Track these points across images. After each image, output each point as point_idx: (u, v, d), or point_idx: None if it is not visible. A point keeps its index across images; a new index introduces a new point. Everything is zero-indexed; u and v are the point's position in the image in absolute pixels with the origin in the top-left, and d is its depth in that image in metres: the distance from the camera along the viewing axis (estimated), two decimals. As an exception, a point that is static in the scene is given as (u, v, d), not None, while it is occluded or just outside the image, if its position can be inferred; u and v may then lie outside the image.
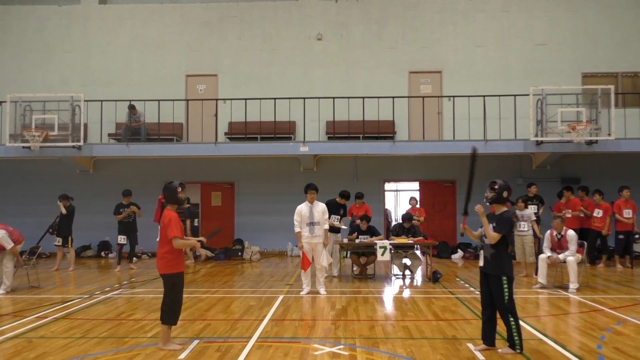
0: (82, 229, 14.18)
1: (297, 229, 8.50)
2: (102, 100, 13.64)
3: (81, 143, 13.10)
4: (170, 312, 5.23)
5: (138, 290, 9.09)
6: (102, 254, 14.58)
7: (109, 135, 14.57)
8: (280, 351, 5.22)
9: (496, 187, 5.22)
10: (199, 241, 5.53)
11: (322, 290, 8.50)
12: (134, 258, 12.09)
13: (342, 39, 15.46)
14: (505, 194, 5.21)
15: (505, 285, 5.02)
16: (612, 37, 14.99)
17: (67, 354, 5.20)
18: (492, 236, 5.08)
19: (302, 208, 8.54)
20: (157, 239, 5.27)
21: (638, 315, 6.73)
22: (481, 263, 5.27)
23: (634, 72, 15.03)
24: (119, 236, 11.72)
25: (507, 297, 5.02)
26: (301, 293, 8.48)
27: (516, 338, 4.99)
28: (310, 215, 8.46)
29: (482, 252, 5.27)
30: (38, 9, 15.83)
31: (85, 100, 13.18)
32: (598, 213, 11.75)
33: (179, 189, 5.31)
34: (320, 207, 8.60)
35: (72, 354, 5.18)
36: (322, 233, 8.53)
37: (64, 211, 11.61)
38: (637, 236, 12.31)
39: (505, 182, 5.25)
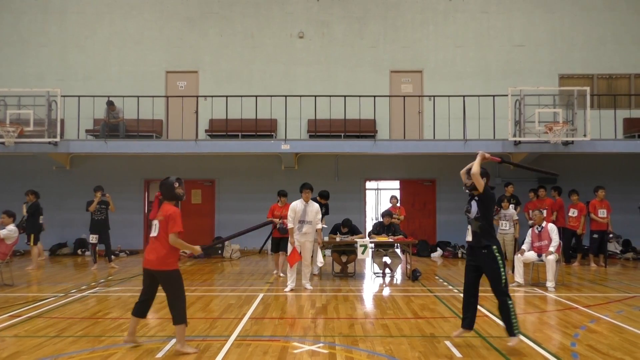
0: (58, 226, 13.97)
1: (290, 225, 8.65)
2: (79, 96, 13.38)
3: (57, 139, 12.85)
4: (182, 310, 5.03)
5: (114, 288, 8.97)
6: (79, 251, 14.35)
7: (87, 131, 14.32)
8: (259, 350, 5.20)
9: None
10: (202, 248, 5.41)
11: (308, 285, 8.69)
12: (112, 256, 11.90)
13: (323, 37, 15.46)
14: (484, 179, 5.30)
15: (499, 256, 5.12)
16: (588, 40, 15.28)
17: (41, 353, 5.11)
18: (474, 170, 5.15)
19: (297, 205, 8.73)
20: (153, 234, 5.04)
21: (611, 314, 6.88)
22: (469, 237, 5.32)
23: (608, 74, 15.34)
24: (91, 235, 11.48)
25: (503, 276, 5.10)
26: (285, 290, 8.53)
27: (514, 321, 5.04)
28: (304, 214, 8.67)
29: (468, 227, 5.32)
30: (13, 1, 15.49)
31: (62, 96, 12.93)
32: (573, 212, 11.97)
33: (176, 184, 5.15)
34: (315, 207, 8.81)
35: (46, 353, 5.09)
36: (312, 231, 8.75)
37: (23, 210, 11.41)
38: (611, 236, 12.59)
39: (484, 169, 5.33)
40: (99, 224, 11.46)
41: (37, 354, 5.09)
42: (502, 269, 5.14)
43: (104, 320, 6.53)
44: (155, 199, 5.18)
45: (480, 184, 5.20)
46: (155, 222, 5.07)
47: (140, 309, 5.18)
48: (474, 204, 5.26)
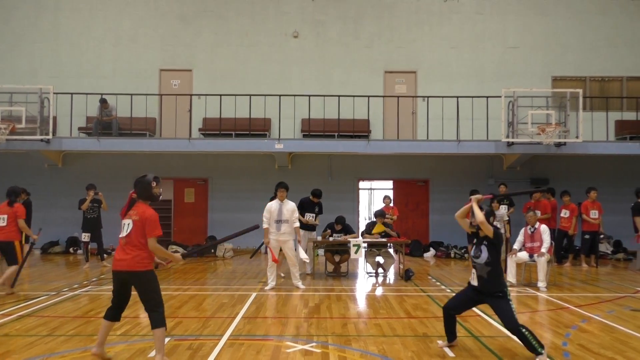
0: (50, 224, 13.83)
1: (265, 225, 8.61)
2: (72, 93, 13.31)
3: (50, 136, 12.76)
4: (160, 312, 4.59)
5: (107, 287, 8.92)
6: (71, 250, 14.27)
7: (79, 129, 14.24)
8: (252, 349, 5.20)
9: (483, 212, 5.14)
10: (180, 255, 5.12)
11: (300, 285, 8.68)
12: (104, 255, 11.84)
13: (318, 36, 15.46)
14: (491, 219, 5.22)
15: (510, 299, 5.00)
16: (581, 42, 15.39)
17: (32, 352, 5.07)
18: (480, 219, 4.99)
19: (272, 205, 8.69)
20: (122, 235, 4.62)
21: (602, 313, 6.93)
22: (475, 283, 5.13)
23: (601, 77, 15.46)
24: (83, 234, 11.41)
25: (515, 312, 4.97)
26: (266, 288, 8.56)
27: (535, 343, 4.83)
28: (279, 213, 8.61)
29: (474, 271, 5.15)
30: (6, -3, 15.38)
31: (54, 93, 12.84)
32: (565, 213, 12.05)
33: (154, 183, 4.74)
34: (290, 206, 8.75)
35: (38, 352, 5.05)
36: (290, 230, 8.69)
37: None
38: (602, 236, 12.68)
39: (487, 209, 5.20)
40: (91, 222, 11.40)
41: (28, 353, 5.06)
42: (513, 306, 5.03)
43: (96, 319, 6.48)
44: (128, 198, 4.76)
45: (490, 230, 5.05)
46: (128, 222, 4.64)
47: (114, 314, 4.77)
48: (484, 249, 5.07)
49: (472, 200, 5.16)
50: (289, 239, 8.70)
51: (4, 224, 8.11)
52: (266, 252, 9.62)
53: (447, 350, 5.17)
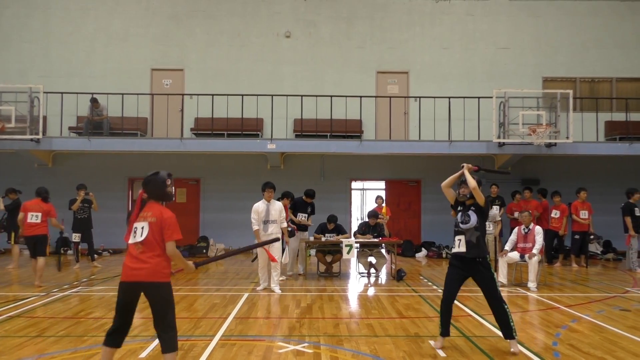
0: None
1: (255, 227, 8.52)
2: (62, 93, 13.21)
3: (40, 136, 12.66)
4: (174, 333, 4.04)
5: (97, 287, 8.87)
6: (61, 250, 14.12)
7: (70, 128, 14.14)
8: (244, 349, 5.18)
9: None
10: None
11: (277, 289, 8.44)
12: (95, 255, 11.77)
13: (310, 37, 15.46)
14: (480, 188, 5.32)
15: (493, 272, 5.17)
16: (572, 44, 15.51)
17: (22, 353, 5.03)
18: (473, 184, 5.13)
19: (259, 206, 8.60)
20: (137, 240, 4.00)
21: (592, 313, 6.98)
22: (462, 249, 5.14)
23: (591, 78, 15.59)
24: (74, 234, 11.34)
25: (497, 284, 5.20)
26: (258, 289, 8.54)
27: (513, 324, 5.06)
28: (267, 214, 8.54)
29: (460, 237, 5.18)
30: (-5, -5, 15.25)
31: (44, 92, 12.74)
32: (556, 214, 12.13)
33: (168, 182, 4.19)
34: (277, 206, 8.69)
35: (28, 353, 5.01)
36: (278, 231, 8.61)
37: (1, 206, 11.23)
38: (592, 237, 12.79)
39: (478, 178, 5.32)
40: (82, 222, 11.33)
41: (18, 354, 5.01)
42: (495, 277, 5.19)
43: (87, 319, 6.45)
44: (138, 199, 4.18)
45: (482, 197, 5.17)
46: (142, 225, 4.03)
47: (116, 339, 4.10)
48: (472, 214, 5.18)
49: (464, 167, 5.28)
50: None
51: (38, 220, 9.09)
52: (256, 257, 9.44)
53: (438, 350, 5.18)
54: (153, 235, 4.02)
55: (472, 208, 5.21)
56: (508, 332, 5.06)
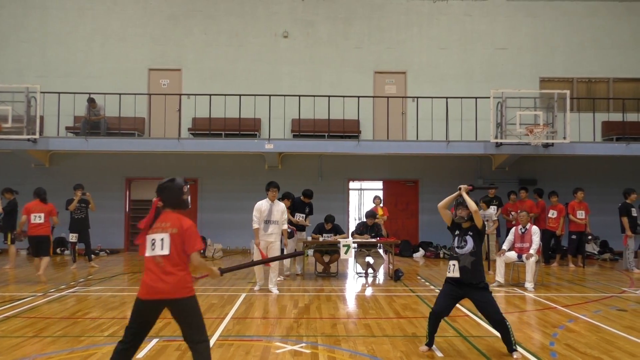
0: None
1: (255, 225, 8.39)
2: (59, 92, 13.19)
3: (37, 136, 12.63)
4: (208, 343, 3.88)
5: (94, 288, 8.85)
6: (58, 250, 14.13)
7: (67, 128, 14.12)
8: (241, 350, 5.18)
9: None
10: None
11: (275, 290, 8.40)
12: (92, 255, 11.74)
13: (308, 37, 15.46)
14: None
15: (490, 291, 5.13)
16: (569, 44, 15.54)
17: (19, 353, 5.02)
18: (474, 207, 5.07)
19: (263, 204, 8.49)
20: (156, 253, 3.72)
21: (589, 313, 7.00)
22: (456, 274, 5.06)
23: (588, 78, 15.63)
24: (71, 234, 11.32)
25: (496, 304, 5.08)
26: (255, 289, 8.55)
27: (513, 339, 5.00)
28: (269, 213, 8.43)
29: (454, 262, 5.10)
30: (-8, -5, 15.21)
31: (41, 92, 12.70)
32: (553, 214, 12.15)
33: (185, 189, 3.98)
34: (281, 207, 8.60)
35: (25, 354, 5.00)
36: (278, 232, 8.52)
37: None
38: (589, 237, 12.81)
39: (475, 201, 5.28)
40: (79, 222, 11.31)
41: (14, 354, 5.00)
42: (493, 299, 5.13)
43: (84, 320, 6.44)
44: (152, 207, 3.86)
45: (481, 220, 5.14)
46: (162, 237, 3.73)
47: (127, 356, 3.81)
48: (469, 239, 5.09)
49: (462, 190, 5.21)
50: (276, 241, 8.49)
51: (42, 220, 9.38)
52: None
53: (435, 350, 5.18)
54: (175, 248, 3.74)
55: (470, 233, 5.12)
56: (509, 346, 5.03)
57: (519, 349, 5.06)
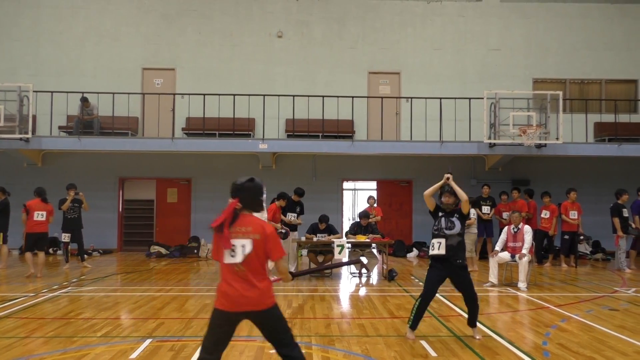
0: (29, 224, 13.61)
1: None
2: (52, 92, 13.10)
3: (29, 135, 12.54)
4: (299, 346, 3.67)
5: (87, 288, 8.81)
6: (51, 250, 14.04)
7: (60, 127, 14.03)
8: (235, 350, 5.17)
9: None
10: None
11: None
12: (85, 255, 11.68)
13: (302, 37, 15.46)
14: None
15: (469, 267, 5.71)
16: (562, 45, 15.63)
17: (11, 354, 4.99)
18: (465, 197, 5.49)
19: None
20: (237, 260, 3.45)
21: (581, 313, 7.05)
22: (442, 251, 5.45)
23: (580, 79, 15.72)
24: (63, 234, 11.26)
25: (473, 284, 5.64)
26: None
27: (478, 315, 5.68)
28: None
29: (440, 241, 5.47)
30: (-16, -7, 15.09)
31: (34, 91, 12.61)
32: (545, 214, 12.21)
33: (264, 189, 3.78)
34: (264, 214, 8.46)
35: (16, 354, 4.97)
36: None
37: None
38: (581, 237, 12.89)
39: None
40: (72, 222, 11.24)
41: (6, 355, 4.96)
42: (471, 279, 5.68)
43: (77, 320, 6.41)
44: (230, 207, 3.51)
45: (468, 207, 5.56)
46: (243, 243, 3.46)
47: None
48: (456, 221, 5.52)
49: (449, 178, 5.58)
50: None
51: (43, 219, 10.11)
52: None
53: (429, 349, 5.21)
54: (257, 255, 3.47)
55: (456, 215, 5.55)
56: (474, 321, 5.66)
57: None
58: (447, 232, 5.47)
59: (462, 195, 5.49)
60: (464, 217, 5.57)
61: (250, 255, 3.45)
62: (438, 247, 5.48)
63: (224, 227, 3.46)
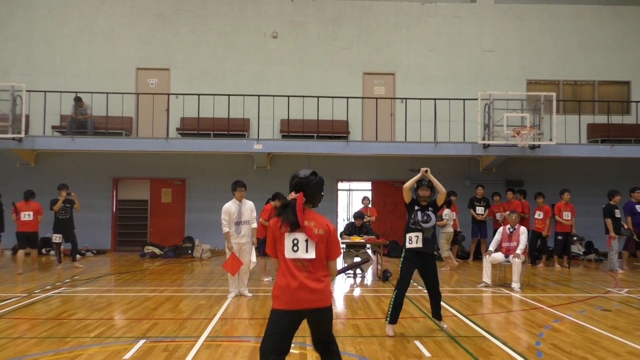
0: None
1: (225, 229, 7.89)
2: (45, 91, 13.04)
3: (22, 135, 12.47)
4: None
5: (80, 288, 8.77)
6: (43, 251, 13.95)
7: (53, 127, 13.96)
8: (229, 350, 5.17)
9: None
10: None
11: (247, 292, 8.09)
12: (78, 255, 11.63)
13: (297, 37, 15.46)
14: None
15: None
16: (555, 47, 15.71)
17: (3, 355, 4.95)
18: (444, 191, 5.83)
19: (230, 206, 8.01)
20: (301, 256, 3.38)
21: (574, 313, 7.08)
22: (419, 245, 5.74)
23: (574, 81, 15.81)
24: (55, 235, 11.19)
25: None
26: (229, 296, 7.93)
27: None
28: (239, 214, 7.99)
29: (418, 235, 5.75)
30: (-23, -8, 14.99)
31: (27, 91, 12.55)
32: (539, 215, 12.27)
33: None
34: (249, 205, 8.18)
35: (8, 355, 4.93)
36: (250, 232, 8.11)
37: None
38: (574, 238, 12.96)
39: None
40: (63, 223, 11.18)
41: (-2, 356, 4.94)
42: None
43: (69, 320, 6.37)
44: (298, 202, 3.44)
45: (443, 199, 5.92)
46: (307, 238, 3.39)
47: None
48: (431, 214, 5.80)
49: (427, 171, 5.89)
50: (248, 242, 8.10)
51: (31, 218, 10.51)
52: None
53: (423, 350, 5.22)
54: (320, 251, 3.40)
55: (431, 209, 5.81)
56: (438, 313, 5.95)
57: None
58: (423, 225, 5.73)
59: (441, 188, 5.77)
60: (437, 210, 5.85)
61: (315, 251, 3.39)
62: (416, 240, 5.74)
63: (300, 221, 3.39)
